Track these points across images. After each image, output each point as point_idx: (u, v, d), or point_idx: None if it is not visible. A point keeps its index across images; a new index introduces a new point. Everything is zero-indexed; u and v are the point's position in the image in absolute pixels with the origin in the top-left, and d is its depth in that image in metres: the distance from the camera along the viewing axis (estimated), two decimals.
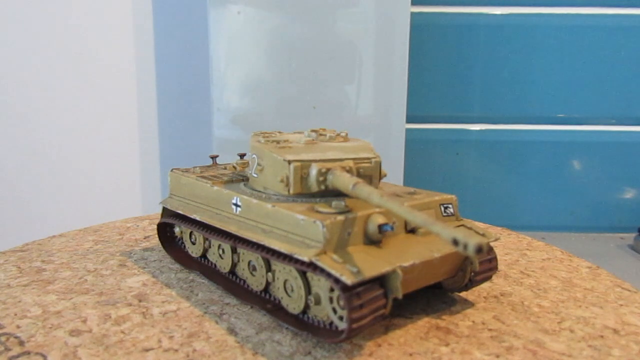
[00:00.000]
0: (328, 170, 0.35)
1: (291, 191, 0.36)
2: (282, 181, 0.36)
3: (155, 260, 0.48)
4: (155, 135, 1.16)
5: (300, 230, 0.33)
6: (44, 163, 1.13)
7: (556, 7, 1.12)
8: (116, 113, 1.14)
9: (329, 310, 0.33)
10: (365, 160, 0.38)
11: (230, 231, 0.38)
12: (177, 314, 0.37)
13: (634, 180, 1.18)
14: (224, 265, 0.43)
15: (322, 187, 0.36)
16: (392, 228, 0.33)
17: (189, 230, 0.47)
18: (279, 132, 0.44)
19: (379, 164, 0.38)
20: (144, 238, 0.55)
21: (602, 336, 0.36)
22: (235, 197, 0.38)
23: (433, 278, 0.37)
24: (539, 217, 1.19)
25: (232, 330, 0.35)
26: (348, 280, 0.29)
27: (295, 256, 0.32)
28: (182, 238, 0.49)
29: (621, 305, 0.41)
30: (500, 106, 1.16)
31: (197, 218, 0.42)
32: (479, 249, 0.24)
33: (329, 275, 0.30)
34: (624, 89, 1.14)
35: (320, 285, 0.33)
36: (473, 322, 0.37)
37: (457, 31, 1.13)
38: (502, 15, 1.12)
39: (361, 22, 0.90)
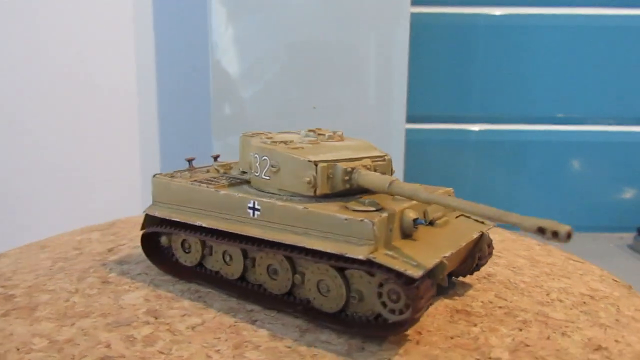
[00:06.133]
0: (353, 169, 0.36)
1: (318, 192, 0.36)
2: (309, 182, 0.35)
3: (140, 274, 0.45)
4: (156, 136, 1.16)
5: (343, 229, 0.33)
6: (44, 164, 1.13)
7: (556, 7, 1.12)
8: (116, 114, 1.14)
9: (377, 305, 0.34)
10: (380, 159, 0.39)
11: (254, 235, 0.37)
12: (206, 327, 0.36)
13: (633, 180, 1.18)
14: (232, 272, 0.41)
15: (347, 186, 0.37)
16: (425, 222, 0.35)
17: (180, 239, 0.44)
18: (269, 132, 0.44)
19: (390, 162, 0.40)
20: (108, 251, 0.51)
21: (584, 302, 0.41)
22: (251, 201, 0.37)
23: (456, 264, 0.39)
24: (539, 217, 1.19)
25: (274, 336, 0.35)
26: (415, 274, 0.30)
27: (348, 255, 0.32)
28: (170, 247, 0.46)
29: (581, 275, 0.48)
30: (500, 106, 1.16)
31: (204, 225, 0.40)
32: (569, 235, 0.25)
33: (388, 270, 0.31)
34: (624, 89, 1.14)
35: (362, 282, 0.34)
36: (482, 302, 0.40)
37: (457, 31, 1.13)
38: (502, 15, 1.12)
39: (361, 23, 0.90)
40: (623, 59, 1.13)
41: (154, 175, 0.44)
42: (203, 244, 0.43)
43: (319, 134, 0.41)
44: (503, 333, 0.36)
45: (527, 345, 0.34)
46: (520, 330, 0.36)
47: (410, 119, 0.97)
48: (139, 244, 0.51)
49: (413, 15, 0.93)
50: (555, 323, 0.37)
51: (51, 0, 1.08)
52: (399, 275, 0.31)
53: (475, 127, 1.17)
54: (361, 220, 0.32)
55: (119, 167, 1.16)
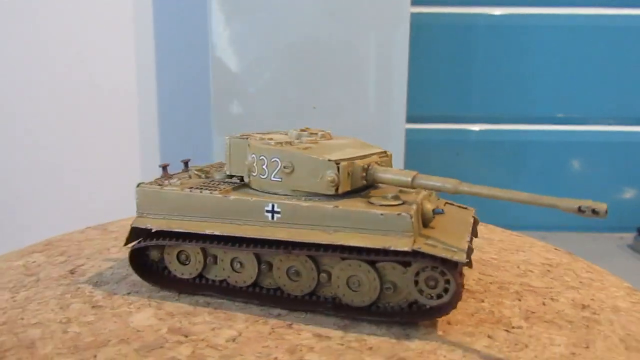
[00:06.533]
0: (368, 166, 0.38)
1: (340, 190, 0.36)
2: (332, 181, 0.36)
3: (129, 293, 0.41)
4: (156, 136, 1.16)
5: (378, 224, 0.34)
6: (44, 164, 1.13)
7: (556, 7, 1.12)
8: (116, 114, 1.14)
9: (414, 292, 0.35)
10: (384, 155, 0.41)
11: (280, 238, 0.36)
12: (246, 337, 0.34)
13: (633, 180, 1.18)
14: (244, 279, 0.40)
15: (363, 182, 0.38)
16: (442, 211, 0.37)
17: (175, 251, 0.41)
18: (255, 133, 0.43)
19: (391, 157, 0.42)
20: (71, 273, 0.45)
21: (548, 270, 0.47)
22: (269, 204, 0.37)
23: None
24: (539, 217, 1.19)
25: (320, 336, 0.34)
26: (461, 258, 0.32)
27: (393, 248, 0.33)
28: (161, 261, 0.42)
29: (530, 247, 0.54)
30: (500, 106, 1.16)
31: (216, 232, 0.38)
32: (606, 211, 0.28)
33: (433, 258, 0.33)
34: (624, 89, 1.14)
35: (395, 273, 0.35)
36: (474, 280, 0.44)
37: (457, 31, 1.13)
38: (502, 15, 1.12)
39: (361, 23, 0.90)
40: (623, 59, 1.13)
41: (138, 185, 0.41)
42: (204, 253, 0.41)
43: (312, 133, 0.42)
44: (508, 305, 0.40)
45: (533, 312, 0.39)
46: (519, 300, 0.41)
47: (410, 119, 0.97)
48: (100, 262, 0.47)
49: (413, 15, 0.93)
50: (540, 291, 0.43)
51: (51, 0, 1.08)
52: (443, 261, 0.33)
53: (475, 127, 1.17)
54: (398, 214, 0.33)
55: (119, 167, 1.16)
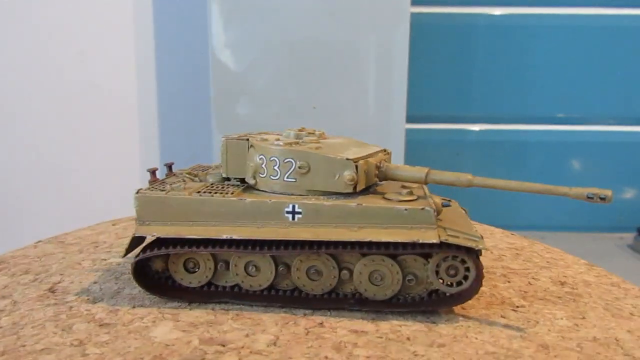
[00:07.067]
0: (380, 163, 0.39)
1: (358, 188, 0.37)
2: (351, 179, 0.37)
3: (134, 307, 0.39)
4: (156, 136, 1.16)
5: (401, 220, 0.36)
6: (44, 164, 1.13)
7: (556, 7, 1.12)
8: (116, 114, 1.14)
9: (435, 282, 0.37)
10: (385, 153, 0.42)
11: (305, 239, 0.36)
12: (285, 340, 0.34)
13: (633, 180, 1.18)
14: (260, 283, 0.39)
15: (376, 179, 0.39)
16: (450, 204, 0.40)
17: (182, 259, 0.39)
18: (250, 133, 0.43)
19: (390, 155, 0.43)
20: (51, 292, 0.42)
21: (517, 254, 0.51)
22: (290, 205, 0.36)
23: None
24: (539, 217, 1.19)
25: (356, 331, 0.35)
26: (484, 247, 0.35)
27: (421, 241, 0.35)
28: (164, 271, 0.40)
29: (491, 234, 0.59)
30: (500, 106, 1.16)
31: (235, 237, 0.37)
32: (612, 196, 0.32)
33: (458, 248, 0.35)
34: (624, 89, 1.14)
35: (416, 264, 0.37)
36: None
37: (457, 31, 1.13)
38: (502, 15, 1.12)
39: (361, 23, 0.90)
40: (623, 59, 1.13)
41: (137, 192, 0.39)
42: (215, 259, 0.39)
43: (309, 133, 0.42)
44: (502, 287, 0.43)
45: (526, 292, 0.42)
46: (509, 282, 0.44)
47: (410, 119, 0.97)
48: (78, 277, 0.44)
49: (413, 15, 0.93)
50: (522, 272, 0.46)
51: (51, 0, 1.08)
52: (467, 250, 0.35)
53: (475, 127, 1.17)
54: (422, 209, 0.35)
55: (119, 167, 1.16)
